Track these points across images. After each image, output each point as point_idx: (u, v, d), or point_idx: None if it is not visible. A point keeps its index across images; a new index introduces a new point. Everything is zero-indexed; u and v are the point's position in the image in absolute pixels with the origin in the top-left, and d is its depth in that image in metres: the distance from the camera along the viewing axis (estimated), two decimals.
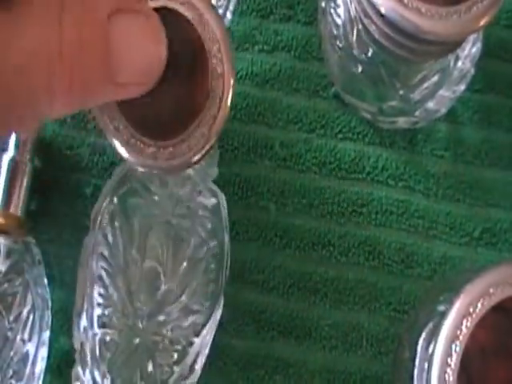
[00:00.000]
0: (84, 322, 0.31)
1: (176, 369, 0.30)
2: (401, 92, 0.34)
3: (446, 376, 0.23)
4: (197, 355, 0.30)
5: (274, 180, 0.35)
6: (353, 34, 0.33)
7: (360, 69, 0.34)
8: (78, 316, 0.31)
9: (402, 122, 0.35)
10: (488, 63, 0.37)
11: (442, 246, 0.34)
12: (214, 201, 0.31)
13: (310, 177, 0.35)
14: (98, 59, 0.22)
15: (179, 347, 0.30)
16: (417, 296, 0.34)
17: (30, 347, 0.32)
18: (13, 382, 0.30)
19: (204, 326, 0.30)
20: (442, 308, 0.26)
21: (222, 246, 0.31)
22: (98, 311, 0.31)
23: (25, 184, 0.34)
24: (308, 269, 0.34)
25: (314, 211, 0.35)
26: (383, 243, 0.34)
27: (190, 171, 0.31)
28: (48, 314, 0.33)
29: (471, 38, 0.34)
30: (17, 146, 0.34)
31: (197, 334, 0.30)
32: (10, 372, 0.31)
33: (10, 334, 0.32)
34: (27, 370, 0.31)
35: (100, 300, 0.31)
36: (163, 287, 0.30)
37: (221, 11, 0.36)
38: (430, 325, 0.27)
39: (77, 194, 0.36)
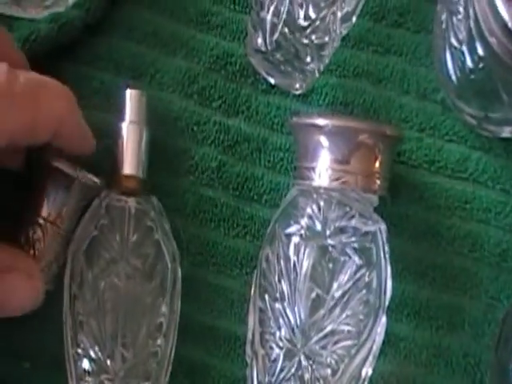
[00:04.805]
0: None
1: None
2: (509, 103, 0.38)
3: None
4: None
5: None
6: (472, 48, 0.36)
7: (473, 77, 0.37)
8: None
9: (508, 130, 0.39)
10: None
11: None
12: (371, 228, 0.34)
13: (420, 172, 0.39)
14: None
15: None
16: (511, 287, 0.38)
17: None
18: None
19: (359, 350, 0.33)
20: None
21: (380, 275, 0.33)
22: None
23: (143, 148, 0.36)
24: (418, 255, 0.38)
25: (424, 203, 0.38)
26: (484, 237, 0.38)
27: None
28: (177, 268, 0.35)
29: None
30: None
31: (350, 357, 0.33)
32: None
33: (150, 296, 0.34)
34: None
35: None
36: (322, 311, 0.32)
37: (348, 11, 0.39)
38: None
39: (203, 168, 0.39)
